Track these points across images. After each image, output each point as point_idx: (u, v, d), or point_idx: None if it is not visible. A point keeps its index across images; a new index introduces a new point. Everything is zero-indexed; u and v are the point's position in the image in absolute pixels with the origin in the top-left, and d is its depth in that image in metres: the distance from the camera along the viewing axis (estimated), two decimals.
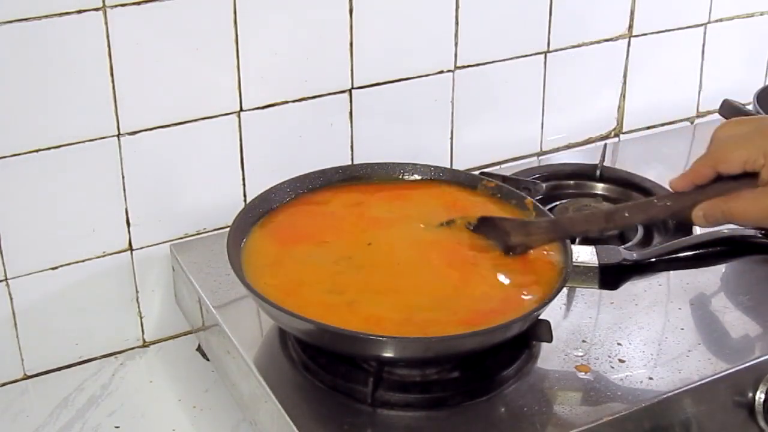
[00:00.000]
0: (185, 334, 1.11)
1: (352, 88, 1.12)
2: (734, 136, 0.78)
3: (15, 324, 1.01)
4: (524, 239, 0.89)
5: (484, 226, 0.93)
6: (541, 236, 0.89)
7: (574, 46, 1.27)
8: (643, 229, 1.08)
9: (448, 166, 1.15)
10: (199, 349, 1.08)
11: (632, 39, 1.32)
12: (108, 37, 0.95)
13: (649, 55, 1.34)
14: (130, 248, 1.05)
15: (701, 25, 1.38)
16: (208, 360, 1.05)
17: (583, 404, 0.83)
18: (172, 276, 1.08)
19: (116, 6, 0.94)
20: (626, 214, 0.86)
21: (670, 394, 0.85)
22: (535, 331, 0.85)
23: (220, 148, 1.07)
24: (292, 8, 1.05)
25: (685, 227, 1.06)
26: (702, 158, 0.80)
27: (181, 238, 1.08)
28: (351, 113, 1.13)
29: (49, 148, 0.96)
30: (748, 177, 0.77)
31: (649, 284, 1.00)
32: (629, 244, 1.05)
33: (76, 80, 0.95)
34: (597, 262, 0.90)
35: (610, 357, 0.89)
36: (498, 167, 1.27)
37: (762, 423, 0.89)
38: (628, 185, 1.18)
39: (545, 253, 0.90)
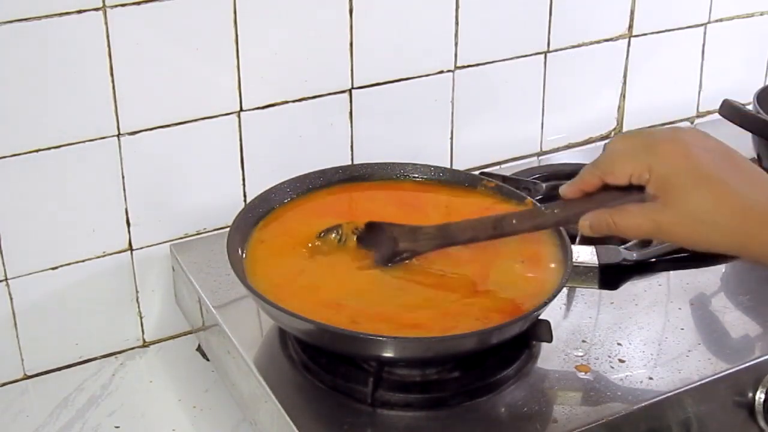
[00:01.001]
0: (185, 334, 1.11)
1: (352, 88, 1.12)
2: (622, 149, 0.78)
3: (15, 324, 1.01)
4: (412, 245, 0.88)
5: (370, 232, 0.91)
6: (429, 242, 0.88)
7: (574, 46, 1.27)
8: None
9: (448, 166, 1.15)
10: (199, 349, 1.08)
11: (632, 39, 1.32)
12: (108, 37, 0.95)
13: (649, 55, 1.34)
14: (130, 248, 1.05)
15: (701, 25, 1.38)
16: (208, 360, 1.05)
17: (583, 404, 0.83)
18: (172, 276, 1.08)
19: (116, 6, 0.94)
20: (514, 221, 0.86)
21: (670, 394, 0.85)
22: (535, 331, 0.85)
23: (220, 148, 1.07)
24: (292, 8, 1.05)
25: None
26: (589, 167, 0.80)
27: (181, 238, 1.08)
28: (351, 113, 1.13)
29: (49, 148, 0.96)
30: (636, 189, 0.77)
31: (649, 284, 1.00)
32: (629, 244, 1.04)
33: (76, 80, 0.95)
34: (597, 262, 0.90)
35: (610, 357, 0.89)
36: (498, 167, 1.27)
37: (762, 423, 0.89)
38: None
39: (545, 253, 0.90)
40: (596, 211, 0.79)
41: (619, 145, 0.80)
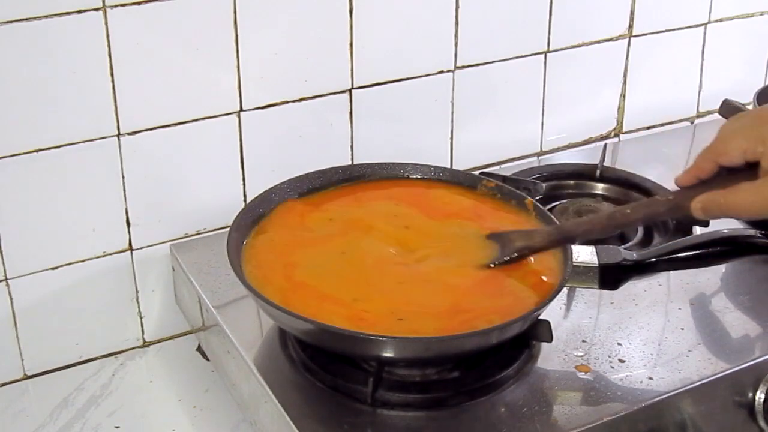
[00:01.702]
0: (185, 334, 1.11)
1: (352, 88, 1.12)
2: (734, 129, 0.78)
3: (15, 324, 1.01)
4: (528, 243, 0.89)
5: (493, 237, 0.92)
6: (545, 239, 0.89)
7: (574, 46, 1.27)
8: (643, 229, 1.08)
9: (448, 166, 1.15)
10: (199, 349, 1.08)
11: (632, 39, 1.32)
12: (108, 37, 0.95)
13: (649, 55, 1.34)
14: (130, 248, 1.05)
15: (701, 25, 1.38)
16: (208, 360, 1.05)
17: (583, 404, 0.84)
18: (172, 276, 1.08)
19: (116, 6, 0.94)
20: (628, 211, 0.86)
21: (670, 394, 0.85)
22: (535, 331, 0.85)
23: (220, 148, 1.07)
24: (292, 8, 1.05)
25: (685, 227, 1.06)
26: (703, 152, 0.80)
27: (181, 238, 1.08)
28: (351, 113, 1.13)
29: (49, 148, 0.96)
30: (750, 170, 0.76)
31: (649, 284, 1.00)
32: (629, 244, 1.05)
33: (76, 80, 0.95)
34: (597, 262, 0.90)
35: (610, 357, 0.89)
36: (498, 167, 1.27)
37: (762, 423, 0.89)
38: (628, 185, 1.18)
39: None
40: (708, 193, 0.77)
41: (730, 126, 0.79)
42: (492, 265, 0.89)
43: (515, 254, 0.89)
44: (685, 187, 0.81)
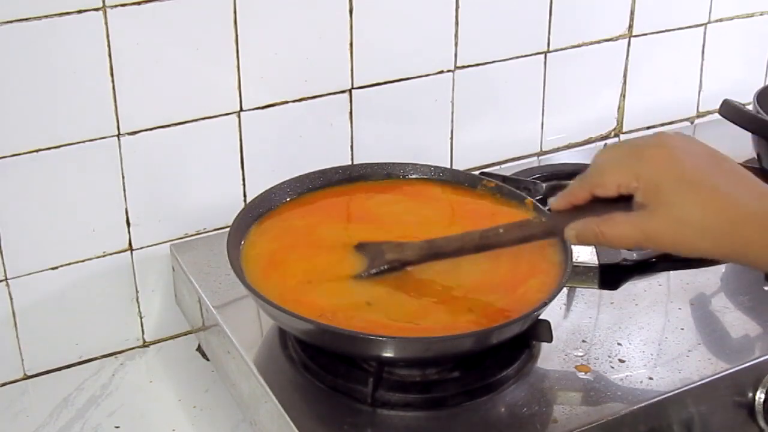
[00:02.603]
0: (185, 334, 1.11)
1: (352, 88, 1.12)
2: (610, 160, 0.78)
3: (15, 324, 1.01)
4: (398, 256, 0.88)
5: (361, 248, 0.91)
6: (415, 254, 0.88)
7: (574, 46, 1.27)
8: None
9: (448, 166, 1.15)
10: (199, 349, 1.08)
11: (632, 39, 1.32)
12: (108, 37, 0.95)
13: (649, 55, 1.34)
14: (130, 248, 1.05)
15: (701, 25, 1.38)
16: (208, 360, 1.05)
17: (583, 404, 0.84)
18: (172, 276, 1.08)
19: (116, 6, 0.94)
20: (501, 231, 0.85)
21: (670, 394, 0.85)
22: (535, 331, 0.85)
23: (220, 148, 1.07)
24: (292, 8, 1.05)
25: None
26: (579, 180, 0.80)
27: (181, 238, 1.08)
28: (351, 113, 1.13)
29: (49, 148, 0.96)
30: (625, 200, 0.76)
31: (649, 284, 1.00)
32: None
33: (76, 80, 0.95)
34: (597, 262, 0.90)
35: (610, 357, 0.89)
36: (498, 167, 1.27)
37: (762, 423, 0.89)
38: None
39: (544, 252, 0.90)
40: (583, 221, 0.78)
41: (605, 156, 0.79)
42: (359, 277, 0.88)
43: (385, 266, 0.88)
44: (559, 212, 0.81)
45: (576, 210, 0.79)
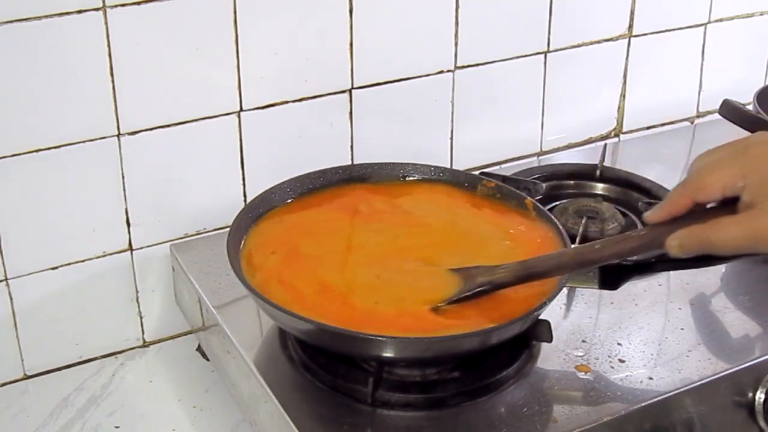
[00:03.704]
0: (185, 334, 1.11)
1: (352, 88, 1.12)
2: (711, 162, 0.74)
3: (15, 324, 1.01)
4: (491, 278, 0.85)
5: (455, 272, 0.88)
6: (510, 275, 0.85)
7: (574, 46, 1.27)
8: None
9: (448, 166, 1.15)
10: (199, 349, 1.08)
11: (632, 39, 1.32)
12: (108, 37, 0.95)
13: (649, 55, 1.34)
14: (130, 248, 1.05)
15: (701, 25, 1.38)
16: (208, 360, 1.05)
17: (583, 404, 0.84)
18: (172, 276, 1.08)
19: (116, 6, 0.94)
20: (598, 247, 0.82)
21: (670, 394, 0.85)
22: (535, 331, 0.85)
23: (220, 148, 1.07)
24: (291, 8, 1.05)
25: None
26: (679, 187, 0.76)
27: (181, 238, 1.08)
28: (351, 113, 1.13)
29: (49, 148, 0.96)
30: (727, 205, 0.73)
31: (649, 284, 1.00)
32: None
33: (76, 80, 0.95)
34: None
35: (610, 357, 0.89)
36: (498, 167, 1.27)
37: (762, 423, 0.89)
38: (628, 185, 1.18)
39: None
40: (686, 229, 0.73)
41: (705, 159, 0.75)
42: (447, 303, 0.84)
43: (477, 289, 0.84)
44: (657, 224, 0.78)
45: (675, 221, 0.75)
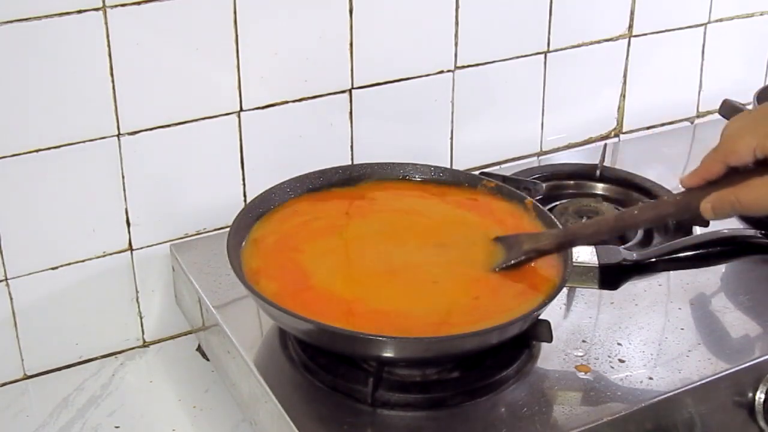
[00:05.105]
0: (185, 334, 1.11)
1: (352, 88, 1.12)
2: (741, 126, 0.76)
3: (15, 324, 1.01)
4: (535, 245, 0.88)
5: (499, 240, 0.92)
6: (553, 242, 0.88)
7: (574, 46, 1.27)
8: (643, 230, 1.08)
9: (448, 166, 1.15)
10: (199, 349, 1.08)
11: (632, 39, 1.32)
12: (108, 37, 0.95)
13: (649, 55, 1.34)
14: (130, 248, 1.05)
15: (701, 25, 1.38)
16: (208, 360, 1.05)
17: (583, 404, 0.84)
18: (172, 276, 1.08)
19: (116, 6, 0.94)
20: (635, 212, 0.85)
21: (670, 394, 0.85)
22: (535, 331, 0.85)
23: (220, 148, 1.07)
24: (292, 8, 1.05)
25: (685, 227, 1.06)
26: (711, 153, 0.78)
27: (181, 238, 1.08)
28: (351, 113, 1.13)
29: (49, 148, 0.96)
30: (757, 168, 0.75)
31: (649, 284, 1.00)
32: (629, 244, 1.05)
33: (76, 80, 0.95)
34: (597, 262, 0.90)
35: (610, 357, 0.89)
36: (498, 167, 1.27)
37: (762, 423, 0.89)
38: (628, 185, 1.18)
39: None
40: (717, 192, 0.76)
41: (736, 124, 0.77)
42: (497, 269, 0.88)
43: (522, 257, 0.88)
44: (692, 189, 0.80)
45: (709, 186, 0.78)
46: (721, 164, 0.77)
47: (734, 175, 0.76)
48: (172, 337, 1.11)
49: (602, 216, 0.88)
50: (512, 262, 0.88)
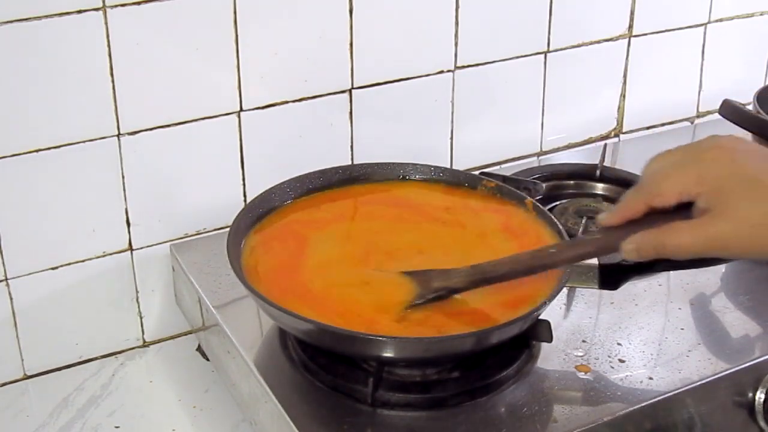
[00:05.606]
0: (185, 334, 1.11)
1: (352, 88, 1.12)
2: (665, 167, 0.74)
3: (15, 324, 1.01)
4: (446, 283, 0.84)
5: (408, 275, 0.87)
6: (462, 279, 0.84)
7: (574, 46, 1.27)
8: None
9: (448, 166, 1.15)
10: (199, 349, 1.08)
11: (632, 39, 1.32)
12: (108, 37, 0.95)
13: (649, 55, 1.34)
14: (130, 248, 1.05)
15: (701, 25, 1.38)
16: (208, 360, 1.05)
17: (583, 404, 0.84)
18: (172, 276, 1.08)
19: (116, 6, 0.94)
20: (553, 251, 0.82)
21: (670, 394, 0.85)
22: (535, 331, 0.85)
23: (220, 148, 1.07)
24: (292, 8, 1.05)
25: None
26: (632, 192, 0.76)
27: (181, 238, 1.08)
28: (351, 113, 1.13)
29: (49, 148, 0.96)
30: (682, 209, 0.73)
31: (649, 284, 1.00)
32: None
33: (76, 80, 0.95)
34: (597, 261, 0.90)
35: (610, 357, 0.89)
36: (498, 167, 1.27)
37: (762, 423, 0.89)
38: (628, 185, 1.15)
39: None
40: (641, 233, 0.74)
41: (659, 164, 0.75)
42: (406, 309, 0.83)
43: (432, 295, 0.84)
44: (611, 228, 0.77)
45: (630, 225, 0.75)
46: (644, 205, 0.75)
47: (655, 214, 0.75)
48: (172, 337, 1.11)
49: (517, 254, 0.84)
50: (420, 301, 0.84)
